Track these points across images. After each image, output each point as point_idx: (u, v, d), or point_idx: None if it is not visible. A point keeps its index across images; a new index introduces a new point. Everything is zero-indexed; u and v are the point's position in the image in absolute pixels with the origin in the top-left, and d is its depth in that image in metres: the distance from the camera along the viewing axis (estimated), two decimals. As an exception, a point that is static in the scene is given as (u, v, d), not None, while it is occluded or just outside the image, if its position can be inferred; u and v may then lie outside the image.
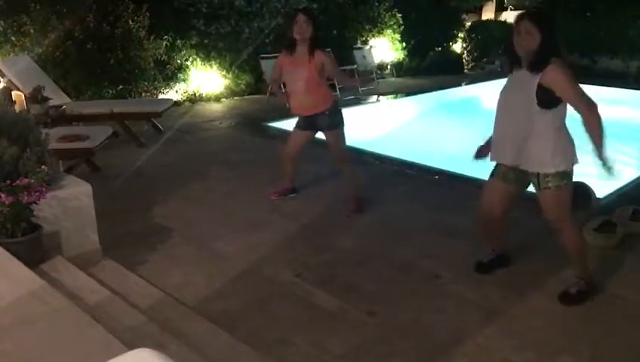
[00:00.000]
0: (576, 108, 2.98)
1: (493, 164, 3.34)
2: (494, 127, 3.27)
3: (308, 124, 4.49)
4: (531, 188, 3.23)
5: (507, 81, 3.24)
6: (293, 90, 4.40)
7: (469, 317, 3.09)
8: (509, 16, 14.67)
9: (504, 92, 3.22)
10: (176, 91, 9.12)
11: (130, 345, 1.95)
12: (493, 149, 3.28)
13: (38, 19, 7.51)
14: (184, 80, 9.17)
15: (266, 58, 9.15)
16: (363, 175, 5.07)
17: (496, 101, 3.25)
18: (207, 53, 9.32)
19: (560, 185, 3.07)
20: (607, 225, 3.92)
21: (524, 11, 3.15)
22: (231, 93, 9.61)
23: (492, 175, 3.34)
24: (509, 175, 3.24)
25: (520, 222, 3.91)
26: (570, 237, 3.21)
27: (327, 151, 4.71)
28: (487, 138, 3.36)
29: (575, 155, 3.10)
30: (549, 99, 2.97)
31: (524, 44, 2.97)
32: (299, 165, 4.85)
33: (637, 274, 3.60)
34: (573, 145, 3.09)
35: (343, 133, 4.49)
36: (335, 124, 4.44)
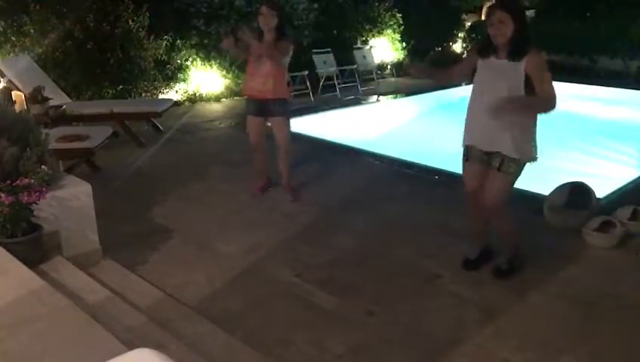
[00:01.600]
0: (542, 91, 3.13)
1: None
2: (470, 112, 3.39)
3: (259, 109, 4.64)
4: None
5: (482, 69, 3.31)
6: (257, 72, 4.52)
7: (469, 317, 3.09)
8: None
9: (482, 80, 3.31)
10: (176, 91, 9.11)
11: (130, 345, 1.95)
12: (468, 134, 3.42)
13: (38, 19, 7.50)
14: (184, 80, 9.16)
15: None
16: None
17: (474, 88, 3.38)
18: (207, 53, 9.31)
19: (516, 172, 3.29)
20: (607, 225, 3.93)
21: (494, 2, 3.24)
22: (231, 93, 9.61)
23: (467, 159, 3.47)
24: (484, 157, 3.38)
25: (519, 222, 3.91)
26: (506, 220, 3.47)
27: (328, 153, 4.71)
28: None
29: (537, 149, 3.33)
30: (528, 86, 3.13)
31: (500, 33, 3.11)
32: (296, 164, 4.86)
33: (637, 274, 3.60)
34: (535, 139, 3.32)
35: (289, 124, 4.71)
36: (284, 112, 4.64)
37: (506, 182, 3.33)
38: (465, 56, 3.48)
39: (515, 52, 3.11)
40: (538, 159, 3.32)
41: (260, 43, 4.41)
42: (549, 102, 3.13)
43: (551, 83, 3.15)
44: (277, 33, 4.46)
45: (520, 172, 3.31)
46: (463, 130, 3.47)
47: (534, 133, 3.29)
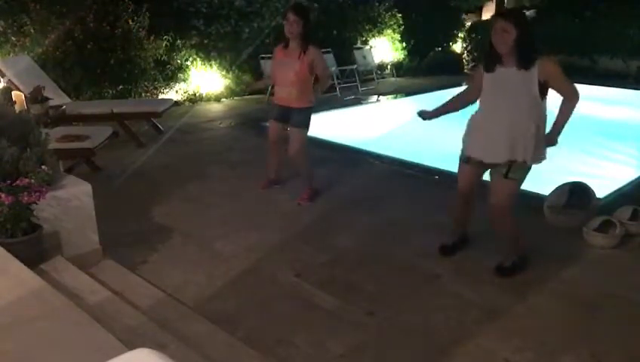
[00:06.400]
0: (565, 92, 3.23)
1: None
2: (479, 125, 3.44)
3: (282, 115, 4.70)
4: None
5: (491, 82, 3.35)
6: (282, 80, 4.61)
7: (469, 317, 3.09)
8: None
9: (495, 92, 3.34)
10: (177, 91, 9.11)
11: (130, 345, 1.95)
12: (473, 146, 3.47)
13: (38, 19, 7.50)
14: (184, 80, 9.16)
15: (266, 58, 9.14)
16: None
17: (482, 101, 3.44)
18: (207, 53, 9.31)
19: (521, 178, 3.35)
20: (607, 225, 3.93)
21: (497, 13, 3.36)
22: (231, 93, 9.61)
23: (467, 161, 3.54)
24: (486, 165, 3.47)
25: (520, 223, 3.91)
26: (511, 222, 3.49)
27: (328, 153, 4.71)
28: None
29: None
30: (542, 91, 3.22)
31: (503, 40, 3.19)
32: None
33: (637, 274, 3.61)
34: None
35: (306, 135, 4.73)
36: (304, 124, 4.66)
37: (513, 187, 3.38)
38: (470, 76, 3.64)
39: (524, 59, 3.17)
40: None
41: (285, 50, 4.54)
42: (574, 101, 3.23)
43: (568, 80, 3.23)
44: (302, 41, 4.44)
45: (525, 175, 3.37)
46: (463, 138, 3.53)
47: (543, 134, 3.33)
